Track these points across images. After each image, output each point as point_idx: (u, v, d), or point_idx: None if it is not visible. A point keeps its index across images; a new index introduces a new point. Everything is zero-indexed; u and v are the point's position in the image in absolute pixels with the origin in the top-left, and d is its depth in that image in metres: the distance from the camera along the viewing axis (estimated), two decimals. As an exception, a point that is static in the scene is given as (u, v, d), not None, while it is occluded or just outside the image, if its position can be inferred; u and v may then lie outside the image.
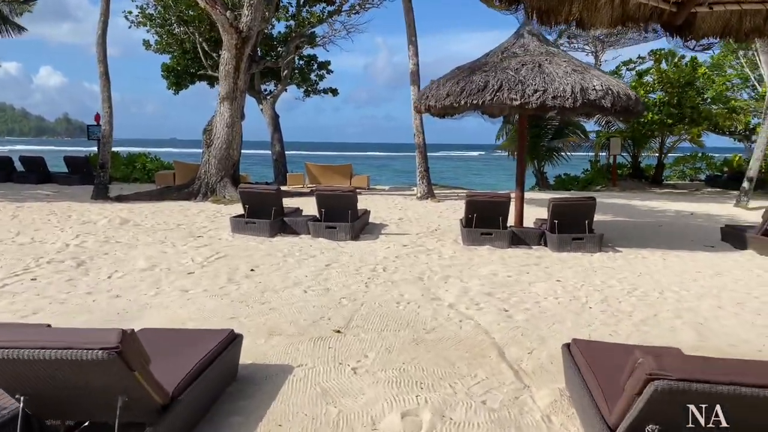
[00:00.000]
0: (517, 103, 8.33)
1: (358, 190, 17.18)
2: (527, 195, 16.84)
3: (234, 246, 8.73)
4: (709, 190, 21.45)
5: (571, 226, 9.28)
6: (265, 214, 10.07)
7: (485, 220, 9.48)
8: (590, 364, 3.58)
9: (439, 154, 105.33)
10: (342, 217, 9.90)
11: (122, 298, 5.97)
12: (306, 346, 4.68)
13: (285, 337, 4.89)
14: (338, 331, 5.02)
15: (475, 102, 8.58)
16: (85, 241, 8.90)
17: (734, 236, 9.98)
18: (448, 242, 9.54)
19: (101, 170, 15.61)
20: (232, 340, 4.06)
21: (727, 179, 21.68)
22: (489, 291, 6.38)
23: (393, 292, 6.28)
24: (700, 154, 25.27)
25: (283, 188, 18.40)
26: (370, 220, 11.62)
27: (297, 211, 11.33)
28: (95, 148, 19.37)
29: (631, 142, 22.82)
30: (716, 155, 25.29)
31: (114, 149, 23.81)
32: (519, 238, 9.47)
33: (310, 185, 19.41)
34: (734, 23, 3.78)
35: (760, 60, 20.11)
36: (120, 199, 14.92)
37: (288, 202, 14.62)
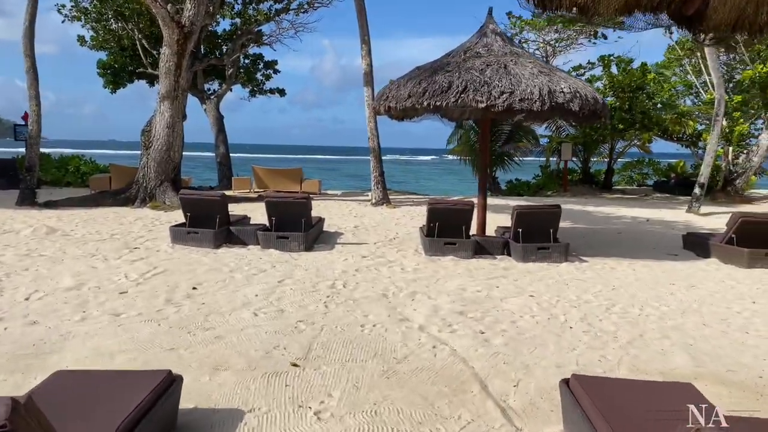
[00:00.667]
0: (483, 105, 7.84)
1: (308, 195, 16.46)
2: (467, 199, 16.54)
3: (174, 259, 7.89)
4: (658, 195, 21.73)
5: (536, 235, 8.88)
6: (209, 222, 9.27)
7: (448, 229, 8.97)
8: (599, 407, 3.05)
9: (388, 158, 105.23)
10: (294, 226, 9.20)
11: (40, 325, 5.10)
12: (259, 384, 3.99)
13: (233, 372, 4.18)
14: (296, 365, 4.34)
15: (438, 103, 8.04)
16: (2, 254, 7.88)
17: (697, 244, 9.80)
18: (410, 252, 8.97)
19: (28, 173, 14.34)
20: (170, 384, 3.33)
21: (674, 185, 22.02)
22: (460, 309, 5.83)
23: (356, 313, 5.64)
24: (647, 160, 25.69)
25: (228, 193, 17.50)
26: (325, 228, 10.95)
27: (244, 219, 10.54)
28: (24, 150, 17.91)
29: (581, 148, 22.91)
30: (662, 161, 25.77)
31: (46, 151, 22.29)
32: (482, 248, 9.00)
33: (258, 190, 18.53)
34: (750, 13, 3.36)
35: (705, 66, 20.51)
36: (48, 205, 13.69)
37: (234, 209, 13.78)
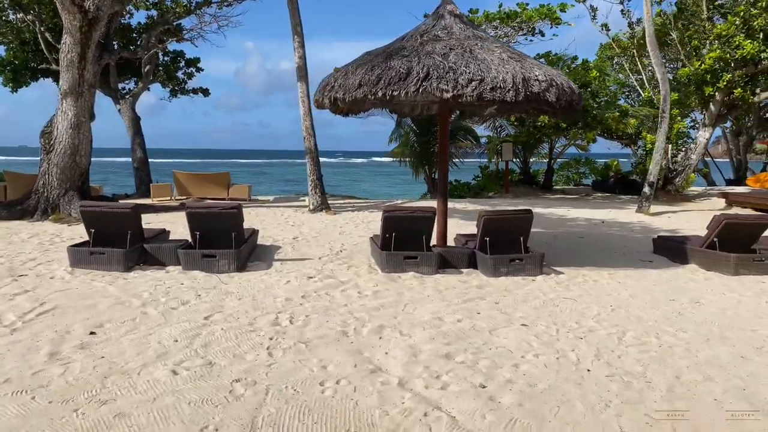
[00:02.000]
0: (449, 94, 6.63)
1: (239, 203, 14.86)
2: (424, 204, 15.43)
3: (70, 290, 6.23)
4: (599, 194, 21.40)
5: (505, 245, 7.80)
6: (119, 240, 7.64)
7: (406, 240, 7.74)
8: None
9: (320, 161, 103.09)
10: (223, 241, 7.72)
11: None
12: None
13: (139, 484, 2.75)
14: (235, 463, 2.96)
15: (395, 93, 6.77)
16: None
17: (670, 249, 9.02)
18: (363, 269, 7.65)
19: None
20: None
21: (614, 184, 21.78)
22: (445, 351, 4.57)
23: (311, 363, 4.27)
24: (583, 159, 25.50)
25: (146, 202, 15.60)
26: (259, 241, 9.47)
27: (162, 234, 8.92)
28: None
29: (520, 148, 22.32)
30: (598, 160, 25.66)
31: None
32: (446, 261, 7.82)
33: (180, 197, 16.70)
34: None
35: (642, 64, 20.31)
36: None
37: (152, 220, 12.01)
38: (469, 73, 6.69)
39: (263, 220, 12.48)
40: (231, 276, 7.18)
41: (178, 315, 5.40)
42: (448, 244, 8.76)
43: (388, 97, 6.84)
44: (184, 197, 16.62)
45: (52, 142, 13.15)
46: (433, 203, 14.66)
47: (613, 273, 7.71)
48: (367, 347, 4.62)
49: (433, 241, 8.31)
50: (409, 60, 6.97)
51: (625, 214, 14.92)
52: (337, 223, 12.36)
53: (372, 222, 12.51)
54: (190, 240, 8.04)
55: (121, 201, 15.74)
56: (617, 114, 18.54)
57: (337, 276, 7.22)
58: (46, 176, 13.15)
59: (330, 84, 7.55)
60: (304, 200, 17.61)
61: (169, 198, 16.69)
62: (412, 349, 4.59)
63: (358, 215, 13.64)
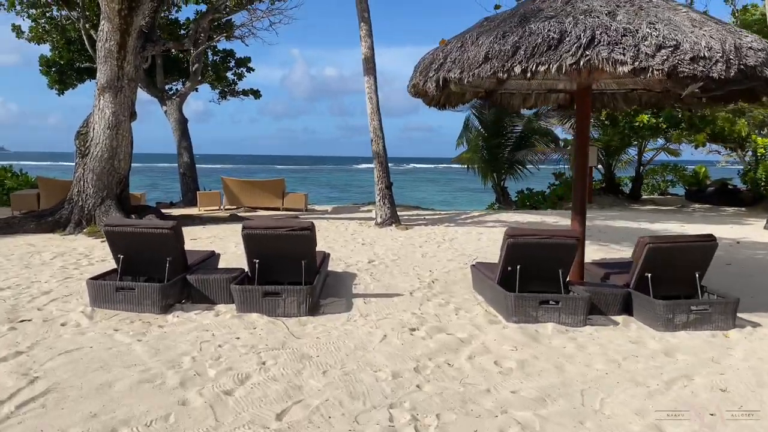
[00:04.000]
0: (629, 67, 4.51)
1: (296, 215, 12.95)
2: (491, 218, 13.23)
3: (81, 350, 4.36)
4: (696, 206, 18.77)
5: (672, 283, 5.66)
6: (154, 268, 5.83)
7: (536, 275, 5.68)
8: None
9: (363, 167, 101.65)
10: (290, 272, 5.83)
11: None
12: None
13: None
14: None
15: (542, 67, 4.69)
16: None
17: None
18: (478, 314, 5.59)
19: None
20: None
21: (713, 193, 19.10)
22: None
23: None
24: (670, 166, 22.86)
25: (191, 212, 13.90)
26: (329, 267, 7.53)
27: (211, 259, 7.05)
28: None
29: (603, 152, 19.87)
30: (689, 167, 22.95)
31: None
32: (592, 305, 5.68)
33: (229, 207, 14.98)
34: None
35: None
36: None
37: (198, 235, 10.22)
38: (657, 37, 4.56)
39: (327, 236, 10.55)
40: (302, 323, 5.22)
41: (234, 406, 3.43)
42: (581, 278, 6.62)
43: (530, 73, 4.76)
44: (234, 207, 14.89)
45: (87, 144, 11.57)
46: (543, 218, 12.62)
47: (833, 325, 5.43)
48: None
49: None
50: (559, 22, 4.88)
51: (753, 231, 12.40)
52: (413, 240, 10.33)
53: (455, 240, 10.44)
54: (246, 269, 6.14)
55: (164, 211, 14.12)
56: (728, 115, 15.93)
57: (447, 326, 5.16)
58: (81, 183, 11.59)
59: (437, 61, 5.52)
60: (367, 210, 15.68)
61: (217, 207, 14.99)
62: None
63: (435, 231, 11.59)
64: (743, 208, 17.46)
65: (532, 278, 5.72)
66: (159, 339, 4.67)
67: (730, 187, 19.16)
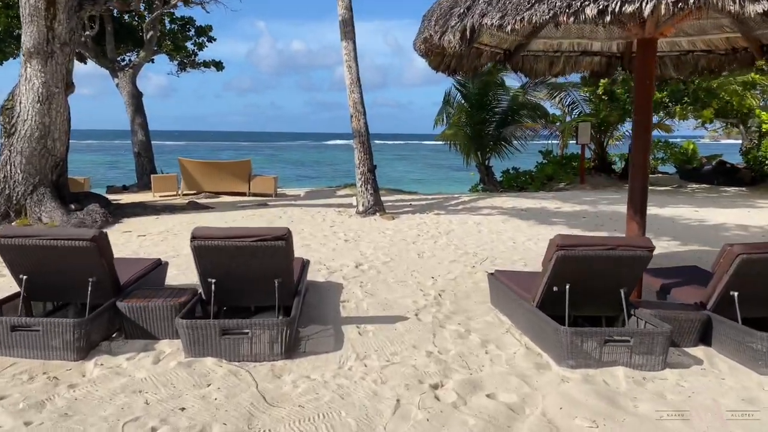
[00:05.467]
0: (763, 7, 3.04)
1: (264, 201, 11.38)
2: (484, 203, 11.85)
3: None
4: (694, 186, 17.67)
5: (762, 303, 4.31)
6: (72, 293, 4.28)
7: (589, 296, 4.27)
8: None
9: (338, 143, 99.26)
10: (258, 293, 4.34)
11: None
12: None
13: None
14: None
15: (631, 8, 3.18)
16: None
17: None
18: (517, 353, 4.13)
19: None
20: None
21: (711, 172, 18.01)
22: None
23: None
24: (661, 143, 21.74)
25: (144, 198, 12.00)
26: (309, 276, 5.99)
27: (156, 271, 5.44)
28: None
29: (594, 129, 18.56)
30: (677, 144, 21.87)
31: None
32: (663, 335, 4.29)
33: (188, 192, 13.24)
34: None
35: None
36: None
37: (148, 229, 8.43)
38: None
39: (302, 230, 8.98)
40: (276, 373, 3.72)
41: None
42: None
43: (609, 15, 3.24)
44: (194, 192, 13.16)
45: (14, 121, 9.71)
46: (541, 202, 11.07)
47: None
48: None
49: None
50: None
51: (773, 217, 11.25)
52: (404, 234, 8.84)
53: (452, 233, 8.99)
54: (201, 289, 4.57)
55: (113, 197, 12.33)
56: (737, 87, 14.68)
57: (482, 379, 3.67)
58: (8, 167, 9.76)
59: (462, 4, 3.95)
60: (345, 194, 14.11)
61: (174, 193, 13.24)
62: None
63: (426, 221, 10.11)
64: (744, 188, 16.41)
65: (584, 298, 4.31)
66: (62, 417, 3.10)
67: (728, 165, 18.11)
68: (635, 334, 3.90)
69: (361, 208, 10.61)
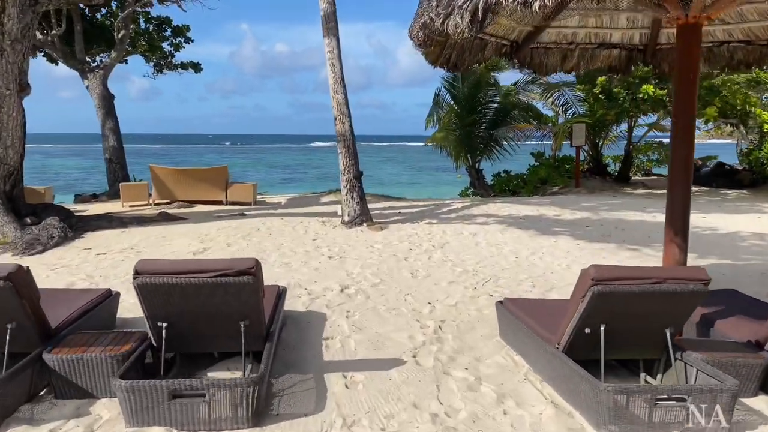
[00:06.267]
0: None
1: (242, 210, 10.56)
2: (478, 210, 11.12)
3: None
4: (693, 189, 16.97)
5: None
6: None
7: (627, 336, 3.48)
8: None
9: (320, 146, 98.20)
10: (220, 338, 3.52)
11: None
12: None
13: None
14: None
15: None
16: None
17: None
18: (543, 413, 3.31)
19: None
20: None
21: (710, 174, 17.39)
22: None
23: None
24: (654, 143, 21.15)
25: (111, 209, 10.86)
26: (286, 303, 5.13)
27: (102, 306, 4.53)
28: None
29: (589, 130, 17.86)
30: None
31: None
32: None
33: (161, 201, 12.33)
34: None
35: None
36: None
37: (110, 245, 7.43)
38: None
39: (281, 245, 8.11)
40: (240, 457, 2.86)
41: None
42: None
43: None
44: (167, 201, 12.24)
45: (-41, 126, 8.75)
46: (539, 209, 10.02)
47: None
48: None
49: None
50: None
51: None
52: (394, 248, 8.01)
53: (446, 246, 8.18)
54: (151, 333, 3.71)
55: (79, 208, 11.40)
56: (739, 87, 13.98)
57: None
58: (-46, 178, 8.78)
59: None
60: (329, 200, 13.26)
61: (145, 202, 12.30)
62: None
63: (417, 232, 9.29)
64: (744, 191, 15.79)
65: (620, 340, 3.53)
66: None
67: (726, 167, 17.50)
68: (693, 393, 3.11)
69: (346, 218, 9.77)
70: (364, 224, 9.69)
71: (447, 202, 13.72)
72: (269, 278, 6.18)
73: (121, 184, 12.71)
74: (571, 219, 10.78)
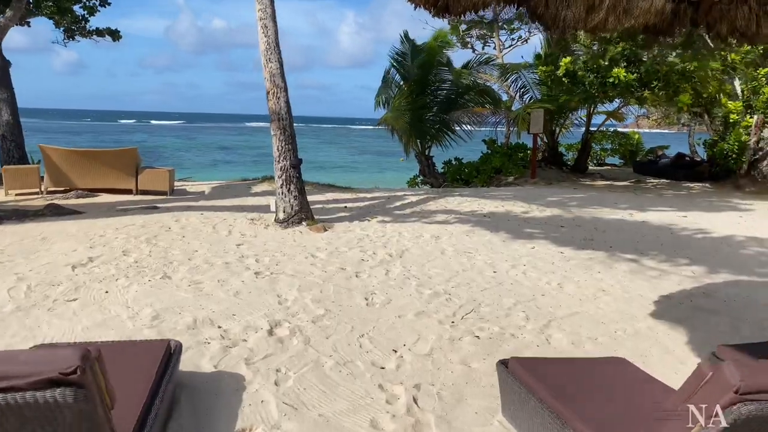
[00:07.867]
0: None
1: (155, 202, 8.73)
2: (436, 206, 9.68)
3: None
4: (653, 180, 16.13)
5: None
6: None
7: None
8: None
9: (253, 126, 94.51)
10: None
11: None
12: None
13: None
14: None
15: None
16: None
17: None
18: None
19: None
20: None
21: (669, 166, 16.55)
22: None
23: None
24: (610, 133, 20.33)
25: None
26: (190, 348, 3.42)
27: None
28: None
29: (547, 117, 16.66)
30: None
31: None
32: None
33: (55, 189, 10.20)
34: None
35: None
36: None
37: None
38: None
39: (194, 254, 6.30)
40: None
41: None
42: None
43: None
44: (62, 189, 10.11)
45: None
46: (504, 204, 8.26)
47: None
48: None
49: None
50: None
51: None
52: (342, 258, 6.36)
53: (406, 254, 6.59)
54: None
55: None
56: (714, 74, 12.97)
57: None
58: None
59: None
60: (261, 191, 11.44)
61: (36, 190, 10.12)
62: None
63: (368, 232, 7.68)
64: (707, 185, 15.00)
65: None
66: None
67: (687, 158, 16.72)
68: None
69: (281, 216, 8.02)
70: (304, 223, 7.98)
71: (399, 194, 12.13)
72: (168, 308, 4.42)
73: (3, 167, 10.44)
74: (542, 217, 9.41)
